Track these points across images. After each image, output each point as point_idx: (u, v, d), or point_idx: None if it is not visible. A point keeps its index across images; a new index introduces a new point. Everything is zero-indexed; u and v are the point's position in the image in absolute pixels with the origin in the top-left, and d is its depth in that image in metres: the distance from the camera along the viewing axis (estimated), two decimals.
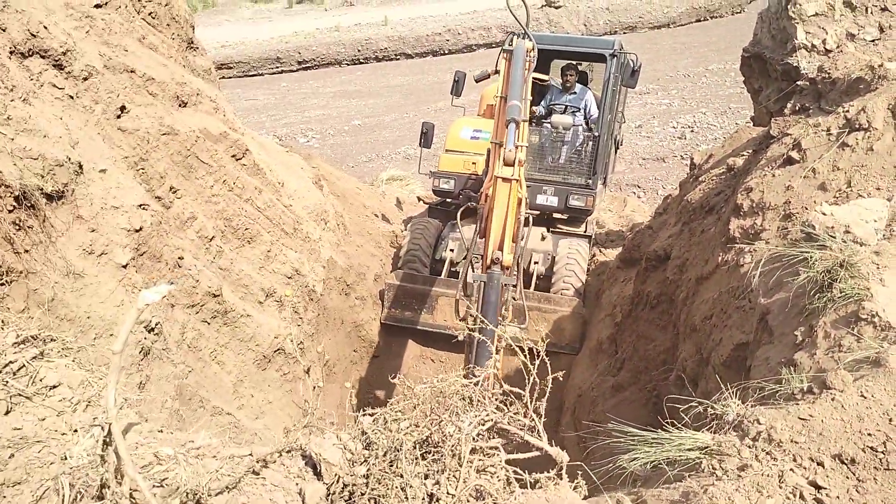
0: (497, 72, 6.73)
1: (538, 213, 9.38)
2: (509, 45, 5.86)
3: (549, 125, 9.51)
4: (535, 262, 9.05)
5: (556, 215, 9.51)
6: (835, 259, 3.06)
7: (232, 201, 5.78)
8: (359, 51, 23.84)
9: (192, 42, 7.07)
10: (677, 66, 21.09)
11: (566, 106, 9.73)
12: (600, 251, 10.88)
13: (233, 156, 6.14)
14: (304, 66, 23.41)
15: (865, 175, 4.05)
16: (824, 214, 3.67)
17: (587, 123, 9.62)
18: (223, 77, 23.44)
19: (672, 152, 16.44)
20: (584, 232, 9.66)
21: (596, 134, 9.39)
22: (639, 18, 24.84)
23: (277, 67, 23.27)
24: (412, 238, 9.02)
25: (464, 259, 9.02)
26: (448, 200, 9.61)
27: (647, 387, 5.40)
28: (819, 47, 8.95)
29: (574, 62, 9.82)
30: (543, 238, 9.31)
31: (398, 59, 24.30)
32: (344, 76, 23.46)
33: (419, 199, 12.63)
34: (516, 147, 4.52)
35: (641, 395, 5.46)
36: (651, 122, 17.87)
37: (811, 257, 3.12)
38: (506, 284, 4.75)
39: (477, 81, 8.92)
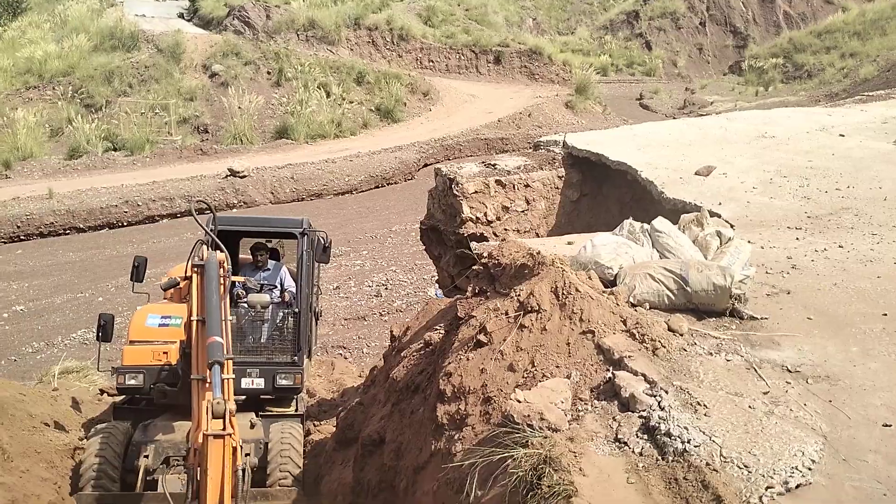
0: (187, 278, 6.36)
1: (244, 397, 8.85)
2: (199, 258, 5.61)
3: (245, 305, 9.27)
4: (247, 455, 8.41)
5: (263, 396, 9.09)
6: (538, 456, 3.25)
7: None
8: (18, 227, 21.36)
9: None
10: (364, 228, 22.37)
11: (262, 284, 9.61)
12: (314, 426, 10.55)
13: None
14: None
15: (545, 354, 4.50)
16: (519, 402, 3.94)
17: (285, 299, 9.55)
18: None
19: (371, 310, 17.06)
20: (296, 411, 9.33)
21: (296, 310, 9.35)
22: (323, 186, 26.12)
23: None
24: (95, 450, 7.82)
25: (162, 465, 8.02)
26: (137, 397, 8.66)
27: None
28: (482, 219, 10.12)
29: (262, 241, 9.86)
30: (253, 426, 8.76)
31: (68, 233, 22.24)
32: (0, 256, 20.67)
33: (102, 392, 11.16)
34: (225, 398, 4.10)
35: None
36: (348, 283, 18.48)
37: (517, 456, 3.28)
38: None
39: (164, 290, 8.41)
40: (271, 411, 9.21)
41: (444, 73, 34.89)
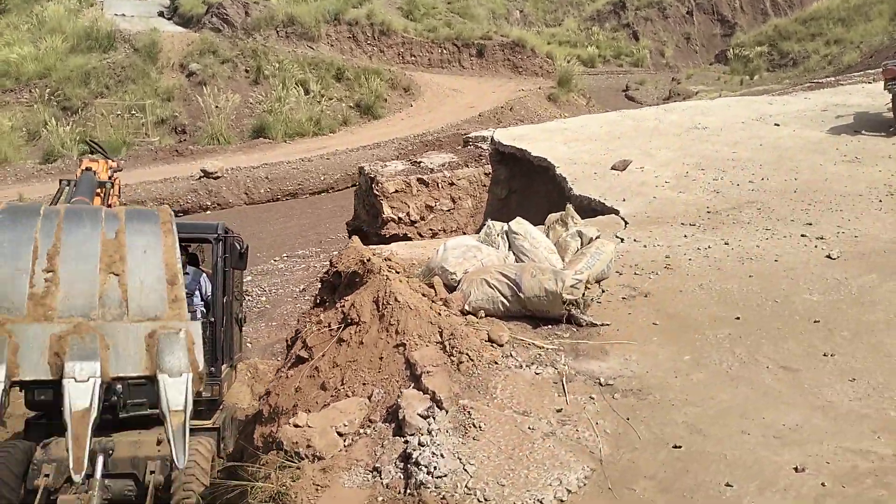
0: None
1: (158, 411, 8.57)
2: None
3: None
4: (152, 472, 8.17)
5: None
6: (271, 489, 3.00)
7: None
8: None
9: None
10: (337, 227, 22.20)
11: None
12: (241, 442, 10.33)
13: None
14: None
15: (356, 370, 4.25)
16: (297, 426, 3.69)
17: (206, 306, 9.31)
18: None
19: None
20: (213, 424, 9.09)
21: (212, 319, 9.10)
22: (298, 186, 25.90)
23: None
24: None
25: (65, 484, 7.79)
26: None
27: None
28: (405, 219, 9.85)
29: (181, 245, 9.56)
30: (159, 442, 8.52)
31: None
32: None
33: None
34: None
35: None
36: (315, 285, 18.28)
37: (250, 488, 3.04)
38: None
39: None
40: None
41: (426, 67, 34.49)
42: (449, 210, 10.16)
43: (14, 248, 2.58)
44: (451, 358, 4.07)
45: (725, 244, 6.16)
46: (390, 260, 5.48)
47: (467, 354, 4.07)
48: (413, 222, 9.90)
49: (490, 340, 4.34)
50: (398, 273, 4.81)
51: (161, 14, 36.91)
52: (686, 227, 6.72)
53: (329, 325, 4.55)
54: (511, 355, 4.22)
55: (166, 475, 8.21)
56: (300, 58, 31.83)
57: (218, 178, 25.23)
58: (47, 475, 7.71)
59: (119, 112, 28.74)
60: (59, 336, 2.44)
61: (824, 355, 4.25)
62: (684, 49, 39.29)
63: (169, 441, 2.48)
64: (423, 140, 29.36)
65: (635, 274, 5.60)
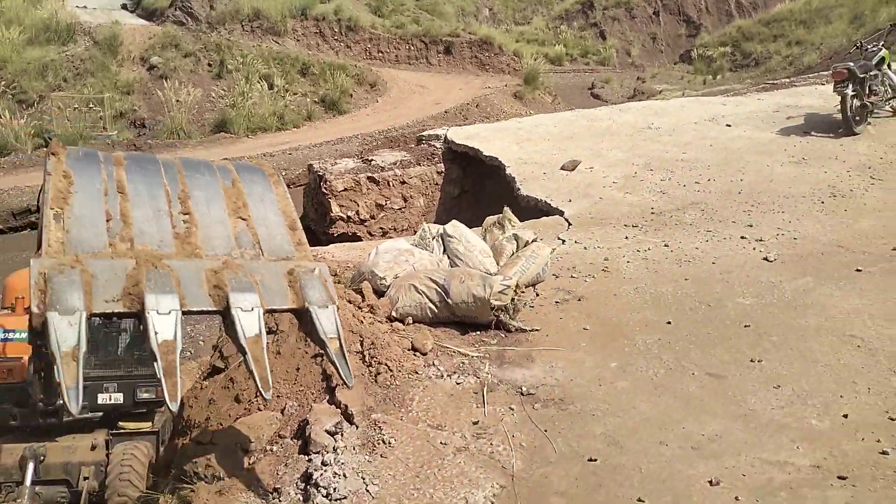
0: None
1: (101, 413, 8.34)
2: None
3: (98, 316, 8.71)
4: (86, 478, 7.91)
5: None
6: None
7: None
8: None
9: None
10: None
11: None
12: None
13: None
14: None
15: (273, 381, 4.07)
16: (200, 444, 3.51)
17: None
18: None
19: None
20: (152, 426, 8.85)
21: None
22: None
23: None
24: None
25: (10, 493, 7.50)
26: None
27: None
28: (354, 217, 9.68)
29: None
30: (94, 447, 8.26)
31: (4, 232, 21.53)
32: None
33: None
34: None
35: None
36: None
37: None
38: None
39: None
40: (125, 428, 8.73)
41: (394, 63, 34.21)
42: (400, 209, 10.01)
43: (148, 189, 2.74)
44: (370, 368, 3.93)
45: (665, 246, 6.10)
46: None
47: (386, 365, 3.92)
48: (363, 221, 9.74)
49: (413, 349, 4.20)
50: None
51: (124, 6, 36.17)
52: (629, 228, 6.66)
53: None
54: (433, 364, 4.09)
55: (100, 480, 7.98)
56: (265, 52, 31.38)
57: None
58: None
59: (77, 105, 28.05)
60: (214, 271, 2.57)
61: (751, 361, 4.19)
62: (650, 49, 39.46)
63: (333, 363, 2.76)
64: (387, 136, 29.18)
65: (572, 277, 5.51)
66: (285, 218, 2.93)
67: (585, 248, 6.18)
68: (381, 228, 9.87)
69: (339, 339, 2.76)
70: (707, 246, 6.07)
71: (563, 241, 6.43)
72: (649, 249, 6.04)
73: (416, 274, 4.79)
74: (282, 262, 2.77)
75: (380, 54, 34.11)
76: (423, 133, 11.40)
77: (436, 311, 4.59)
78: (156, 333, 2.44)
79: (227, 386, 4.18)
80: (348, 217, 9.65)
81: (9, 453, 7.86)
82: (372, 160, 10.18)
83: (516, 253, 5.38)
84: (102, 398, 8.33)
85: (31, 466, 7.50)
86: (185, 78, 29.79)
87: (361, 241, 9.60)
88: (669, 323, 4.70)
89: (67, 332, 2.32)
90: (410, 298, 4.62)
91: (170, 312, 2.45)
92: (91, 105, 28.55)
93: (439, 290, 4.56)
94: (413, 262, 5.04)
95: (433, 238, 5.38)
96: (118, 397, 8.43)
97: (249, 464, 3.40)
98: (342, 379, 2.86)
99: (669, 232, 6.50)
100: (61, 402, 7.19)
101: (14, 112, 27.35)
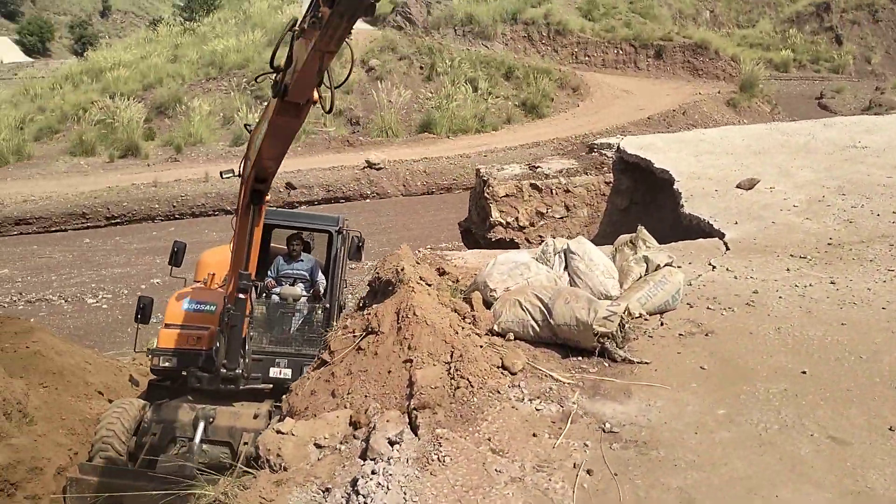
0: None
1: (272, 386, 9.04)
2: None
3: (277, 296, 9.50)
4: (245, 443, 8.66)
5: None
6: (210, 497, 3.02)
7: None
8: (174, 206, 23.68)
9: None
10: None
11: (294, 277, 9.83)
12: None
13: None
14: (112, 221, 22.89)
15: (364, 381, 4.18)
16: (281, 433, 3.70)
17: (315, 293, 9.70)
18: (21, 233, 22.48)
19: None
20: None
21: (326, 305, 9.44)
22: (453, 181, 26.36)
23: (83, 223, 22.65)
24: (106, 423, 8.33)
25: (169, 444, 8.43)
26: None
27: None
28: (513, 223, 9.65)
29: (299, 232, 10.05)
30: (256, 416, 9.00)
31: (216, 214, 24.28)
32: (154, 232, 23.11)
33: (130, 378, 11.53)
34: None
35: None
36: None
37: (198, 495, 3.08)
38: None
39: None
40: None
41: (600, 68, 33.54)
42: (562, 218, 9.79)
43: None
44: (452, 381, 3.88)
45: (831, 283, 5.35)
46: (440, 268, 5.36)
47: (468, 379, 3.85)
48: (522, 228, 9.66)
49: (503, 366, 4.08)
50: (429, 285, 4.66)
51: None
52: (794, 259, 5.93)
53: (353, 332, 4.53)
54: (519, 385, 3.94)
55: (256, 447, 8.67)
56: (473, 56, 32.28)
57: (380, 169, 26.31)
58: (154, 434, 8.42)
59: None
60: None
61: (890, 429, 3.54)
62: (895, 55, 34.87)
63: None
64: (583, 140, 28.69)
65: (708, 308, 5.02)
66: None
67: (736, 277, 5.61)
68: (539, 236, 9.72)
69: None
70: (883, 288, 5.22)
71: (713, 267, 5.89)
72: (810, 286, 5.34)
73: (524, 289, 4.65)
74: None
75: (586, 58, 33.66)
76: (596, 141, 11.04)
77: (538, 330, 4.42)
78: None
79: (327, 380, 4.36)
80: (507, 223, 9.62)
81: (186, 412, 8.79)
82: (538, 167, 10.05)
83: (644, 276, 5.02)
84: (274, 372, 9.07)
85: (201, 426, 8.36)
86: (398, 80, 31.54)
87: (519, 247, 9.53)
88: (804, 373, 4.11)
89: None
90: (514, 314, 4.49)
91: None
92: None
93: (543, 308, 4.39)
94: (528, 277, 4.90)
95: (556, 253, 5.18)
96: (287, 373, 9.13)
97: (316, 459, 3.51)
98: None
99: (842, 267, 5.69)
100: (239, 370, 7.93)
101: (250, 107, 30.64)
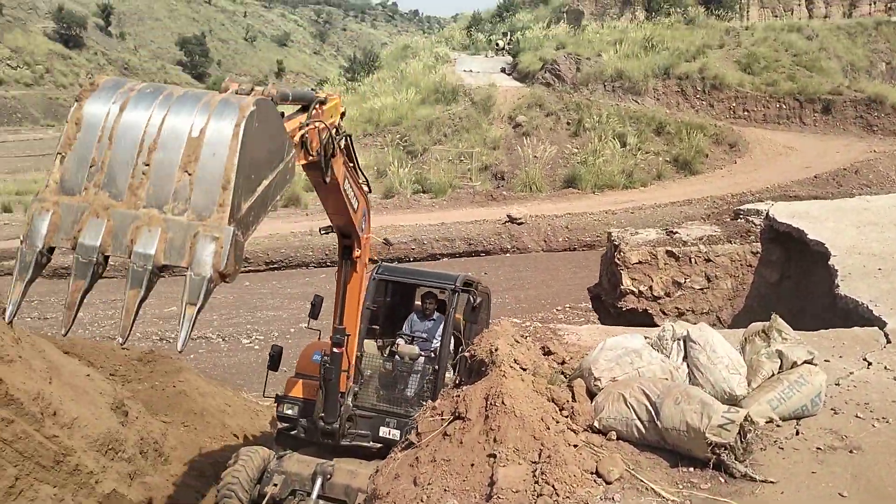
0: None
1: (380, 445, 8.99)
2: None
3: (395, 354, 9.45)
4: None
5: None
6: None
7: None
8: (326, 254, 24.88)
9: None
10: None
11: (413, 336, 9.73)
12: None
13: None
14: (270, 266, 24.37)
15: (446, 472, 3.90)
16: None
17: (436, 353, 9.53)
18: (180, 275, 24.46)
19: None
20: None
21: (436, 367, 9.27)
22: (596, 237, 25.70)
23: (245, 268, 24.27)
24: (233, 469, 8.61)
25: (289, 496, 8.53)
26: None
27: None
28: (646, 293, 9.05)
29: (433, 290, 9.98)
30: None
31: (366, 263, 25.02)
32: (307, 278, 24.27)
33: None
34: None
35: None
36: None
37: None
38: None
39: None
40: None
41: (761, 123, 31.63)
42: (702, 289, 9.04)
43: (131, 135, 3.04)
44: (536, 485, 3.49)
45: None
46: (546, 347, 4.99)
47: (553, 486, 3.45)
48: (656, 298, 9.02)
49: (597, 473, 3.64)
50: (524, 370, 4.30)
51: (503, 70, 39.69)
52: None
53: (442, 414, 4.26)
54: (612, 498, 3.48)
55: None
56: (622, 111, 31.67)
57: (521, 223, 26.21)
58: (275, 485, 8.53)
59: (451, 158, 31.59)
60: (137, 226, 2.93)
61: None
62: None
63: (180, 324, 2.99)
64: (740, 200, 26.98)
65: (856, 416, 4.27)
66: (224, 176, 2.95)
67: (895, 378, 4.77)
68: (676, 308, 9.02)
69: (197, 308, 2.88)
70: None
71: (869, 363, 5.06)
72: None
73: (632, 382, 4.18)
74: (197, 222, 2.93)
75: (745, 113, 31.91)
76: (742, 206, 10.19)
77: (643, 431, 3.93)
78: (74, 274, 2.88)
79: (412, 464, 4.11)
80: (640, 292, 9.02)
81: (306, 465, 8.85)
82: (676, 233, 9.40)
83: (777, 374, 4.37)
84: (383, 431, 8.94)
85: (319, 481, 8.37)
86: (545, 135, 31.52)
87: (653, 318, 8.88)
88: None
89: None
90: (617, 410, 4.03)
91: (90, 259, 2.87)
92: (462, 158, 31.88)
93: (650, 407, 3.90)
94: (639, 367, 4.41)
95: (674, 339, 4.65)
96: (396, 434, 8.96)
97: None
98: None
99: None
100: (337, 424, 7.92)
101: (402, 161, 31.79)
